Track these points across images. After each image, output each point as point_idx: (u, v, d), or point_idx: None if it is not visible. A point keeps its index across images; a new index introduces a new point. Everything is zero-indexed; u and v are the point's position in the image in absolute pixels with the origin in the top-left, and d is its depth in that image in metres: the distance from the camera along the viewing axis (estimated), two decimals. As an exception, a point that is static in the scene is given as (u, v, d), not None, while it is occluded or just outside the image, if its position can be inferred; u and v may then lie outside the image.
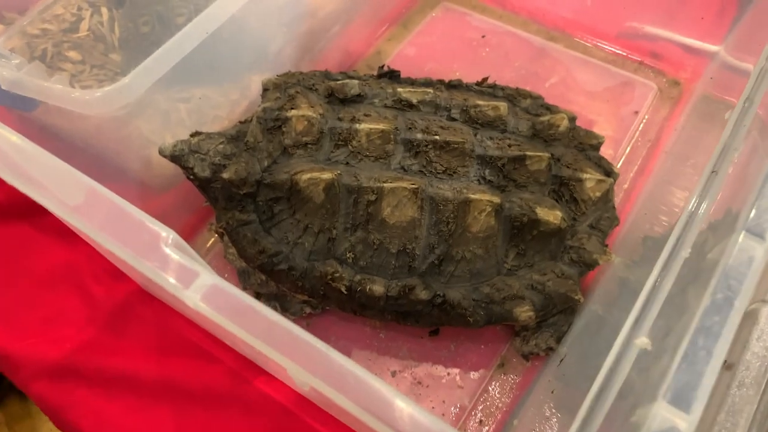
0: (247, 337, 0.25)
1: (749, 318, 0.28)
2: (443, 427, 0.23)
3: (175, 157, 0.41)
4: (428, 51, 0.59)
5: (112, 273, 0.46)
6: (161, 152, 0.41)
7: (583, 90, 0.55)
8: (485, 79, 0.49)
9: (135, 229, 0.27)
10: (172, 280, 0.26)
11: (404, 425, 0.23)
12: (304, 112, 0.41)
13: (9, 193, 0.50)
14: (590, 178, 0.41)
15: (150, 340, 0.43)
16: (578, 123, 0.46)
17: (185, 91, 0.48)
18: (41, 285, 0.46)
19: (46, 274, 0.47)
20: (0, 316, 0.45)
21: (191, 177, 0.41)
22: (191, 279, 0.26)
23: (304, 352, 0.24)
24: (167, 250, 0.27)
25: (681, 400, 0.23)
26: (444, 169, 0.40)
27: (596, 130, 0.48)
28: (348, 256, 0.39)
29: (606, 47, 0.58)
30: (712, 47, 0.55)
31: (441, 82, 0.48)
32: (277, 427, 0.40)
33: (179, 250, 0.26)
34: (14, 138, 0.30)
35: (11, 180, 0.28)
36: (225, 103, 0.51)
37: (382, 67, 0.48)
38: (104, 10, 0.54)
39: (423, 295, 0.39)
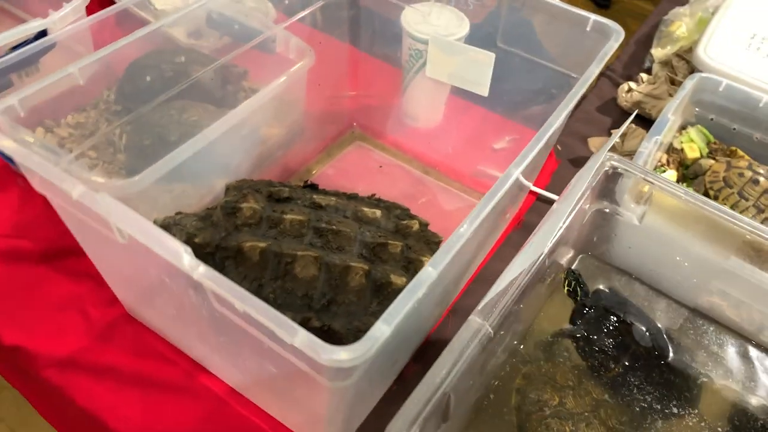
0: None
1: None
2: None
3: (163, 227, 0.63)
4: (342, 172, 0.85)
5: (106, 301, 0.66)
6: (155, 223, 0.64)
7: (442, 208, 0.82)
8: (373, 195, 0.74)
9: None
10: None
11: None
12: (251, 205, 0.65)
13: (35, 239, 0.71)
14: (426, 259, 0.67)
15: (129, 346, 0.64)
16: (431, 228, 0.72)
17: (171, 186, 0.71)
18: (52, 307, 0.66)
19: (57, 299, 0.67)
20: (19, 324, 0.64)
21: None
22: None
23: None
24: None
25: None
26: (337, 246, 0.64)
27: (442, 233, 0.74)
28: (270, 296, 0.61)
29: (462, 181, 0.86)
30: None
31: (344, 194, 0.73)
32: (215, 410, 0.60)
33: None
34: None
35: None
36: (197, 195, 0.74)
37: (306, 181, 0.74)
38: (116, 125, 0.77)
39: (316, 323, 0.61)
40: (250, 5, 0.90)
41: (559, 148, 0.94)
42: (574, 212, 0.60)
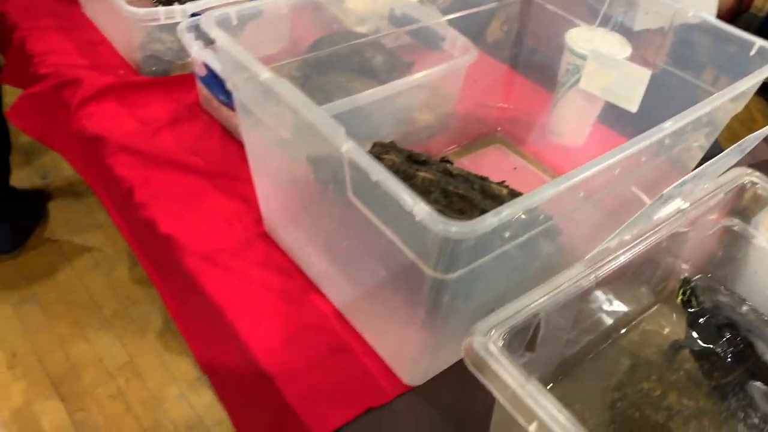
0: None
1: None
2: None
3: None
4: (477, 166, 0.90)
5: (250, 220, 0.75)
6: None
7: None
8: (503, 181, 0.78)
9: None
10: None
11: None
12: (391, 157, 0.72)
13: (206, 160, 0.82)
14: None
15: (260, 258, 0.72)
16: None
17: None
18: (205, 213, 0.76)
19: (210, 209, 0.77)
20: (175, 219, 0.75)
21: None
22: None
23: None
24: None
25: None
26: (458, 209, 0.69)
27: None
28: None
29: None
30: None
31: (476, 174, 0.78)
32: (318, 325, 0.66)
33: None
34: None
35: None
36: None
37: (444, 157, 0.79)
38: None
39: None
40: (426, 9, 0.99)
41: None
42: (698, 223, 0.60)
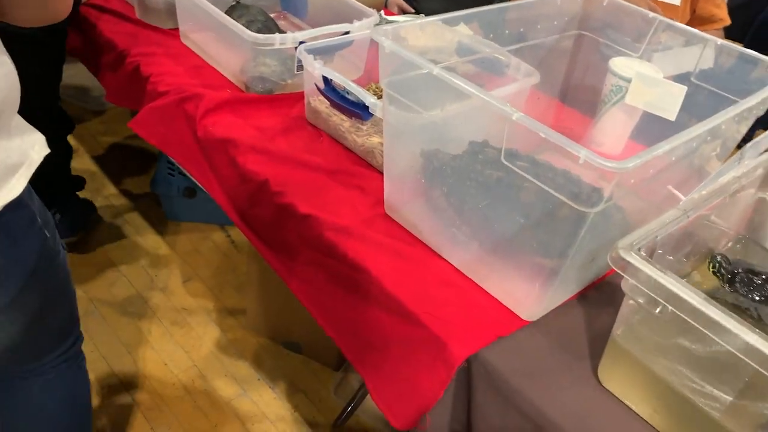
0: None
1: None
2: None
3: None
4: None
5: (370, 204, 0.91)
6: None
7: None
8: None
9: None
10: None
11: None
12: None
13: (323, 160, 0.98)
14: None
15: (384, 231, 0.87)
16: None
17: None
18: (332, 200, 0.92)
19: (335, 197, 0.93)
20: (311, 204, 0.90)
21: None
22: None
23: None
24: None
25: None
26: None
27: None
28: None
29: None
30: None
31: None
32: (445, 281, 0.81)
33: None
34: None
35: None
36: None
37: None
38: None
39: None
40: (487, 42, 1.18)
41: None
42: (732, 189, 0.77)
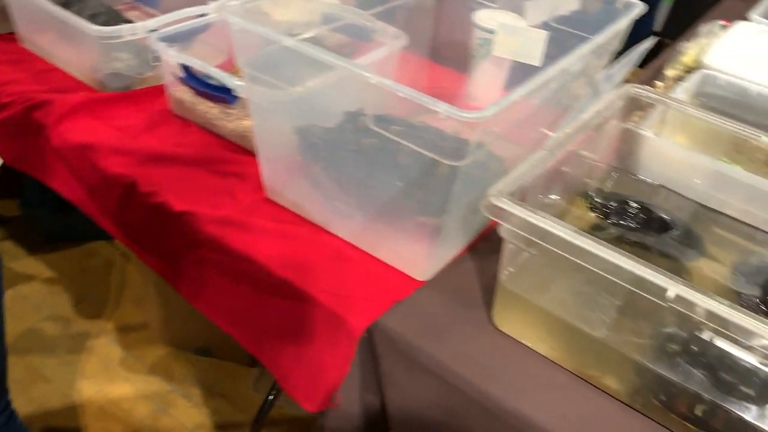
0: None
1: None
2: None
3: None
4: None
5: (250, 189, 0.88)
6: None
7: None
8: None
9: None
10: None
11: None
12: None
13: (191, 151, 0.93)
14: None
15: (269, 216, 0.84)
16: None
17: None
18: (208, 192, 0.87)
19: (211, 187, 0.88)
20: (185, 200, 0.85)
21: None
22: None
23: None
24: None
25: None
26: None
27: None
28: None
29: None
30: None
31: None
32: (335, 255, 0.79)
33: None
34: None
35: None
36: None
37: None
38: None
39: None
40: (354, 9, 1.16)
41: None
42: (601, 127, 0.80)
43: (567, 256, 0.57)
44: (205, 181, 0.90)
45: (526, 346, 0.70)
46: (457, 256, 0.82)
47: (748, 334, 0.50)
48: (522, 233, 0.59)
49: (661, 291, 0.52)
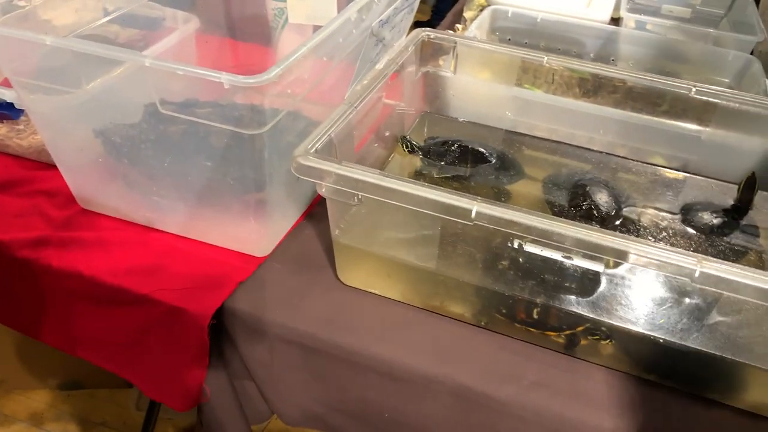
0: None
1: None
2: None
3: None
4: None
5: (61, 204, 0.82)
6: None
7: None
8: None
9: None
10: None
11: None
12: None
13: None
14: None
15: (88, 226, 0.79)
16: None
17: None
18: (14, 215, 0.81)
19: (17, 210, 0.81)
20: None
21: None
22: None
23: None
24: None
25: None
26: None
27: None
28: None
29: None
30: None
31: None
32: (167, 251, 0.77)
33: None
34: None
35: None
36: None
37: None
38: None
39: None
40: None
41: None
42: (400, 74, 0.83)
43: (382, 199, 0.59)
44: (8, 206, 0.82)
45: (373, 293, 0.73)
46: (294, 225, 0.82)
47: (546, 233, 0.55)
48: (337, 187, 0.60)
49: (467, 213, 0.56)
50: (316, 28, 1.07)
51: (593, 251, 0.52)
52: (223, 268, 0.75)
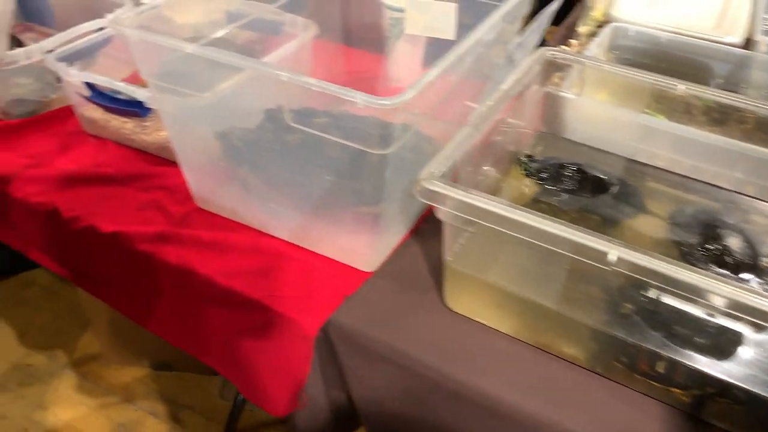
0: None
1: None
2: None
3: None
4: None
5: (179, 201, 0.85)
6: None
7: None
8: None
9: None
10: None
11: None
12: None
13: (112, 170, 0.89)
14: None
15: (203, 226, 0.82)
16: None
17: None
18: (135, 208, 0.84)
19: (138, 204, 0.85)
20: (112, 220, 0.82)
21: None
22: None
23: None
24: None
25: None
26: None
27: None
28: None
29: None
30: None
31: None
32: (276, 259, 0.78)
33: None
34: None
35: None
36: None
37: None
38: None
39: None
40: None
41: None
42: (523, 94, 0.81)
43: (507, 231, 0.57)
44: (131, 199, 0.86)
45: (480, 323, 0.71)
46: (401, 241, 0.81)
47: (692, 288, 0.51)
48: (459, 214, 0.59)
49: (602, 255, 0.53)
50: (430, 39, 1.07)
51: (749, 315, 0.48)
52: (332, 280, 0.75)
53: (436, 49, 1.08)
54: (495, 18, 0.72)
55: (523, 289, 0.64)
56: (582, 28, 1.37)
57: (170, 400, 1.43)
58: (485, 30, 0.71)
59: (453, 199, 0.58)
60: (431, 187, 0.59)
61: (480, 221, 0.58)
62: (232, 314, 0.76)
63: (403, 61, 1.12)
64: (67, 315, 1.60)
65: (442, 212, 0.61)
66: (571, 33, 1.43)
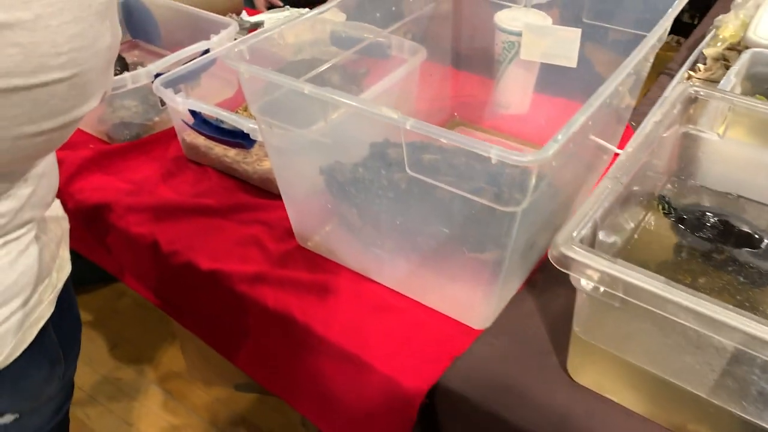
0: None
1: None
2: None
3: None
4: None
5: (279, 237, 0.81)
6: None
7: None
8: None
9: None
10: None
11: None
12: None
13: (211, 200, 0.86)
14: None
15: (302, 266, 0.77)
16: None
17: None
18: (234, 244, 0.81)
19: (237, 238, 0.81)
20: (211, 256, 0.79)
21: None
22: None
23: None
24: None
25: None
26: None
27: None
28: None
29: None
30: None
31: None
32: (378, 306, 0.72)
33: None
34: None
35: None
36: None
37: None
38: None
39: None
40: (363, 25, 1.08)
41: (634, 124, 1.07)
42: (658, 135, 0.72)
43: (658, 312, 0.49)
44: (230, 233, 0.83)
45: (608, 398, 0.63)
46: (514, 295, 0.74)
47: None
48: (604, 288, 0.51)
49: (778, 349, 0.44)
50: (545, 65, 0.99)
51: None
52: (438, 337, 0.69)
53: (544, 73, 1.01)
54: (640, 54, 0.64)
55: (669, 372, 0.55)
56: (708, 50, 1.24)
57: (252, 423, 1.42)
58: (628, 68, 0.62)
59: (596, 270, 0.50)
60: (571, 254, 0.51)
61: (626, 297, 0.50)
62: (331, 366, 0.71)
63: (513, 86, 1.04)
64: (156, 329, 1.61)
65: (579, 281, 0.53)
66: (691, 52, 1.31)
